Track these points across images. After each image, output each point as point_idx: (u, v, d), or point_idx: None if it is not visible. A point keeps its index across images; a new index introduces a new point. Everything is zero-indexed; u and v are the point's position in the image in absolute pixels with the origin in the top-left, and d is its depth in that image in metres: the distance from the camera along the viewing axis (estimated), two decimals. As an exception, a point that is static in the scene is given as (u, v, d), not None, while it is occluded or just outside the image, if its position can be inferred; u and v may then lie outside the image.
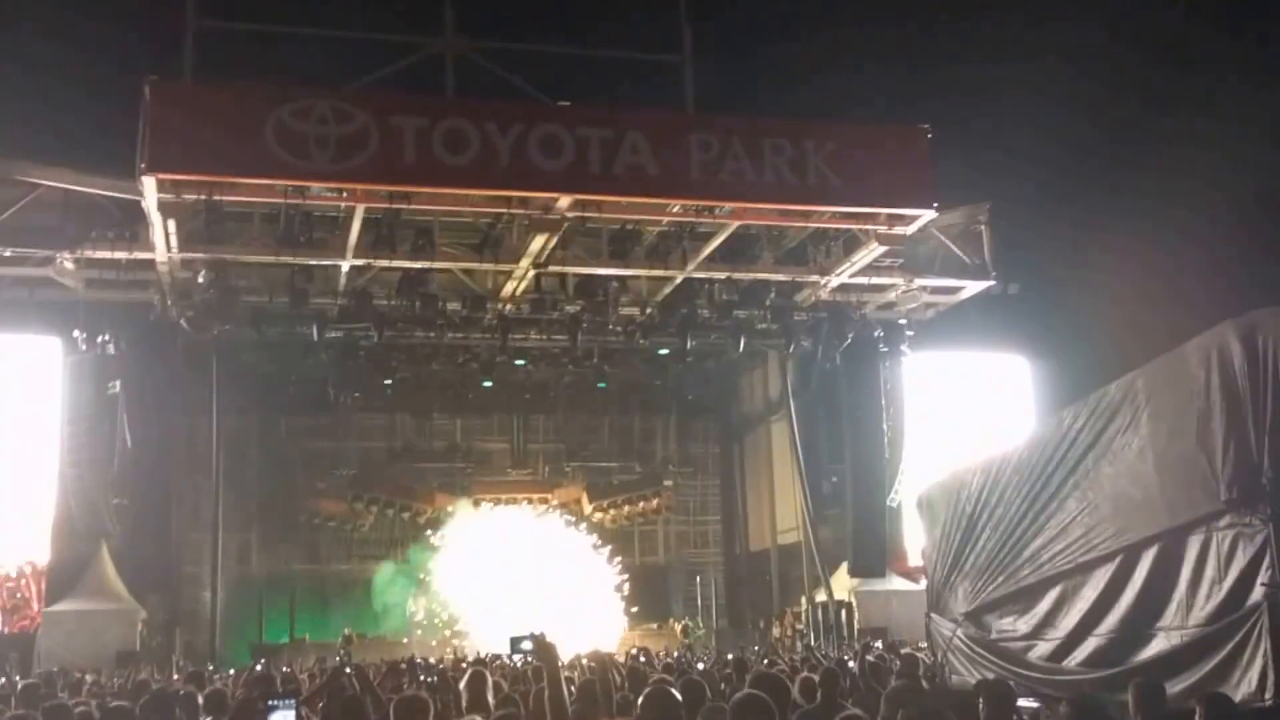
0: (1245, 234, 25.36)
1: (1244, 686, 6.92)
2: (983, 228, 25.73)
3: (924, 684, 10.05)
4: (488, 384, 29.42)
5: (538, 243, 21.50)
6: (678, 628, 28.84)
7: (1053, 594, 9.21)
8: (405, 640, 27.10)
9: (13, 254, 22.45)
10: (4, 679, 15.83)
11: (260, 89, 20.19)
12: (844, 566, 26.78)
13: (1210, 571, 7.45)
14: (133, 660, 20.56)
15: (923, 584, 14.61)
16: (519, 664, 10.88)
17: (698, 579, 32.14)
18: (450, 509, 31.13)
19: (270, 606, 27.66)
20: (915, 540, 22.72)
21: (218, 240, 20.93)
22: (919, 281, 25.62)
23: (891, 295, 26.19)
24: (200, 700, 8.84)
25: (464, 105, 21.01)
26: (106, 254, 22.20)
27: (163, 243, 21.03)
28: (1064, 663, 8.89)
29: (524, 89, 22.29)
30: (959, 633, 10.64)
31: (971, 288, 26.18)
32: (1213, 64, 27.35)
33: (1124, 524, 8.31)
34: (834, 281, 24.30)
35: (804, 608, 28.00)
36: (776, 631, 28.58)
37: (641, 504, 33.12)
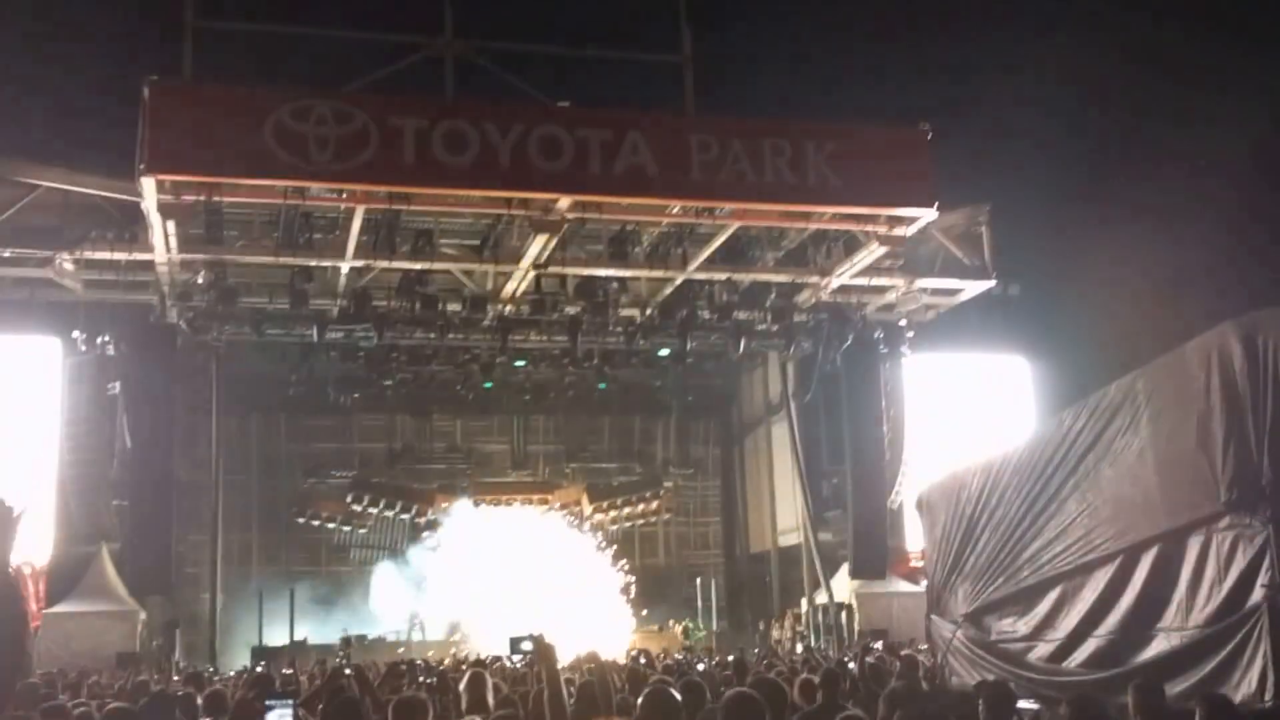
0: (1245, 235, 25.37)
1: (1244, 688, 6.91)
2: (983, 229, 25.73)
3: (924, 685, 10.04)
4: (488, 385, 29.43)
5: (537, 244, 21.49)
6: (678, 629, 28.82)
7: (1053, 595, 9.20)
8: (405, 642, 27.08)
9: (12, 255, 22.45)
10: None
11: (260, 90, 20.17)
12: (844, 568, 26.76)
13: (1210, 573, 7.44)
14: (133, 661, 20.58)
15: (923, 585, 14.59)
16: (519, 665, 10.87)
17: (698, 581, 32.13)
18: (450, 510, 31.11)
19: (270, 608, 27.62)
20: (916, 541, 22.73)
21: (217, 241, 20.93)
22: (919, 283, 25.62)
23: (892, 296, 26.19)
24: (199, 701, 8.83)
25: (464, 106, 20.99)
26: (106, 255, 22.20)
27: (162, 244, 21.02)
28: (1064, 664, 8.89)
29: (524, 90, 22.27)
30: (959, 634, 10.63)
31: (972, 289, 26.18)
32: (1213, 64, 27.33)
33: (1124, 525, 8.30)
34: (834, 283, 24.28)
35: (804, 609, 27.99)
36: (777, 633, 28.56)
37: (641, 505, 33.11)
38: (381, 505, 31.67)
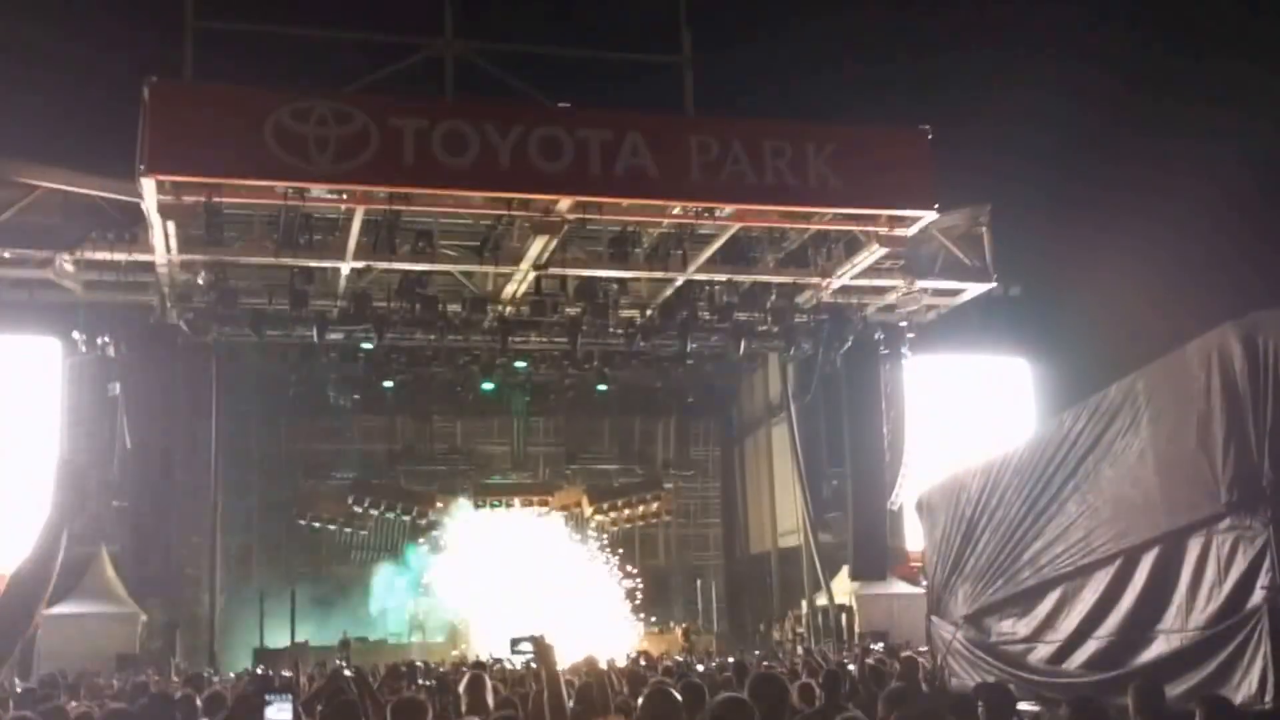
0: (1246, 235, 25.37)
1: (1244, 689, 6.90)
2: (984, 230, 25.70)
3: (924, 687, 10.02)
4: (488, 387, 29.41)
5: (538, 245, 21.48)
6: (678, 631, 28.80)
7: (1053, 597, 9.19)
8: (405, 644, 27.06)
9: (12, 255, 22.45)
10: (4, 682, 15.79)
11: (260, 90, 20.17)
12: (845, 569, 26.75)
13: (1210, 574, 7.43)
14: (133, 663, 20.56)
15: (923, 587, 14.58)
16: (519, 666, 10.87)
17: (698, 582, 32.11)
18: (451, 511, 31.08)
19: (270, 610, 27.60)
20: (916, 543, 22.70)
21: (217, 242, 20.92)
22: (920, 284, 25.60)
23: (892, 297, 26.18)
24: (199, 703, 8.83)
25: (464, 107, 21.00)
26: (106, 256, 22.19)
27: (162, 244, 21.02)
28: (1064, 665, 8.87)
29: (524, 90, 22.29)
30: (959, 635, 10.62)
31: (972, 290, 26.15)
32: (1214, 64, 27.34)
33: (1124, 526, 8.29)
34: (835, 284, 24.27)
35: (805, 611, 27.97)
36: (777, 635, 28.54)
37: (642, 507, 33.08)
38: (382, 507, 31.63)
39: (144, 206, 19.90)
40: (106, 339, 23.24)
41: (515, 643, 6.44)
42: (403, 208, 20.55)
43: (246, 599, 27.77)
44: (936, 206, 21.62)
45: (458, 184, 20.32)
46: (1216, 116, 26.20)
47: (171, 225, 20.20)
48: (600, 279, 23.59)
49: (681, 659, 19.28)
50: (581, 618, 24.54)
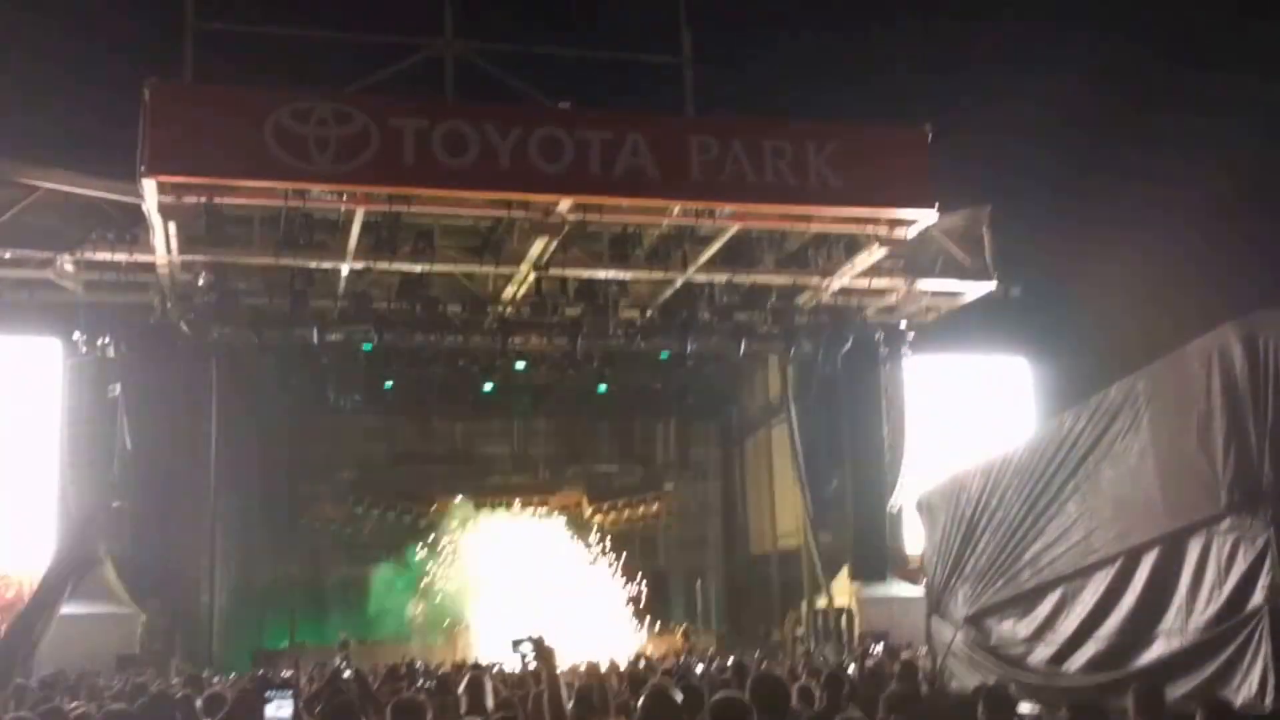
0: (1247, 236, 25.35)
1: (1244, 691, 6.89)
2: (984, 230, 25.64)
3: (924, 688, 10.01)
4: (488, 387, 29.40)
5: (538, 246, 21.47)
6: (678, 632, 28.78)
7: (1053, 598, 9.18)
8: (405, 645, 27.04)
9: (13, 256, 22.43)
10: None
11: (260, 91, 20.18)
12: (845, 571, 26.72)
13: (1211, 575, 7.42)
14: (132, 664, 20.53)
15: (923, 588, 14.57)
16: (519, 667, 10.85)
17: (698, 583, 32.09)
18: (450, 512, 31.09)
19: (270, 610, 27.60)
20: (916, 544, 22.67)
21: (218, 243, 20.91)
22: (920, 284, 25.56)
23: (892, 298, 26.15)
24: (198, 704, 8.82)
25: (464, 107, 20.99)
26: (106, 256, 22.17)
27: (163, 245, 21.01)
28: (1064, 667, 8.86)
29: (524, 91, 22.29)
30: (959, 637, 10.61)
31: (973, 290, 26.09)
32: (1214, 65, 27.34)
33: (1124, 527, 8.28)
34: (835, 284, 24.26)
35: (805, 612, 27.94)
36: (777, 636, 28.51)
37: (641, 508, 33.08)
38: (381, 507, 31.63)
39: (144, 207, 19.89)
40: (107, 340, 23.23)
41: (516, 644, 6.44)
42: (403, 208, 20.54)
43: (246, 599, 27.76)
44: (937, 207, 21.58)
45: (458, 184, 20.31)
46: (1217, 115, 26.22)
47: (172, 226, 20.21)
48: (601, 280, 23.57)
49: (681, 660, 19.29)
50: (581, 619, 24.55)
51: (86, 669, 18.10)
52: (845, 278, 23.96)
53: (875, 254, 22.72)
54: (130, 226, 21.76)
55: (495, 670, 12.83)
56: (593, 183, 20.36)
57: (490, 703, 7.85)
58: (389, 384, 29.26)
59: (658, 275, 23.76)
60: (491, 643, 21.15)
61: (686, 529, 34.72)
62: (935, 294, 26.42)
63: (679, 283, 23.97)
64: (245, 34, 23.13)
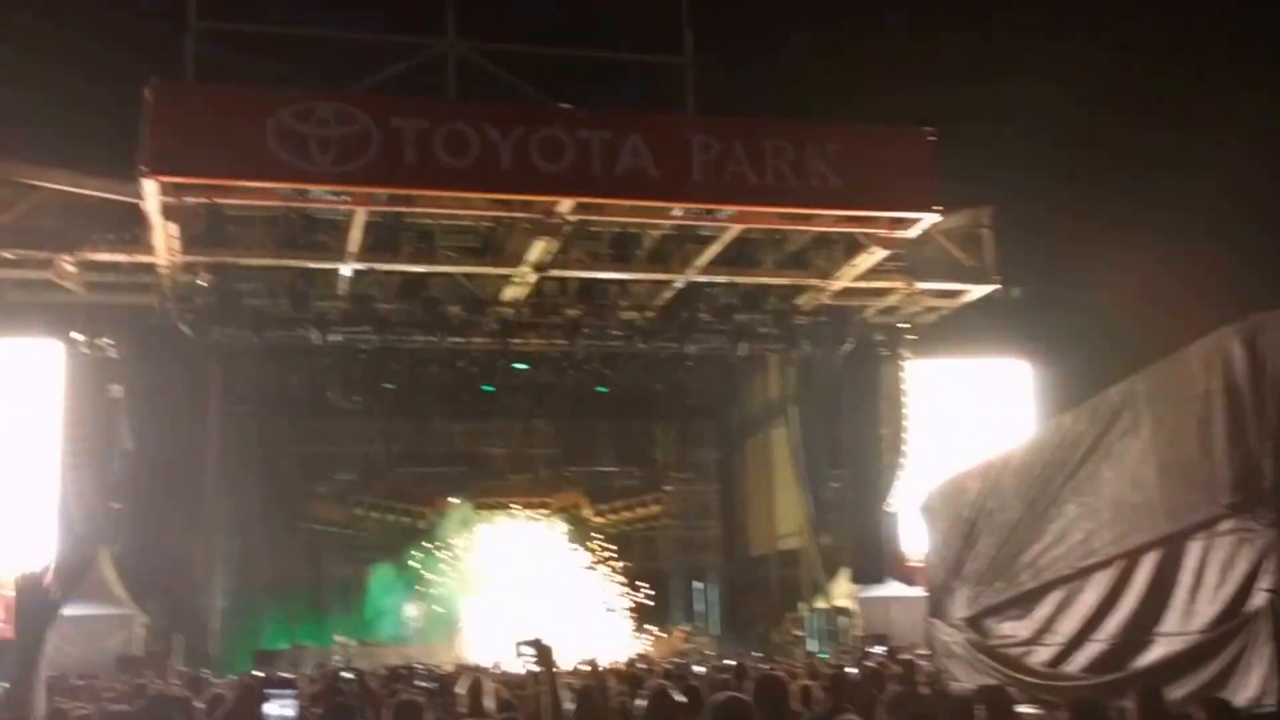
0: (1248, 238, 25.33)
1: (1245, 692, 6.88)
2: (986, 231, 25.62)
3: (923, 690, 10.01)
4: (488, 388, 29.41)
5: (539, 247, 21.48)
6: (678, 633, 28.78)
7: (1053, 599, 9.17)
8: (405, 646, 27.04)
9: (13, 256, 22.42)
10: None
11: (261, 91, 20.18)
12: (845, 572, 26.72)
13: (1211, 577, 7.42)
14: (133, 665, 20.53)
15: (923, 589, 14.56)
16: (520, 668, 10.85)
17: (698, 584, 32.10)
18: (450, 513, 31.10)
19: (270, 611, 27.59)
20: (916, 545, 22.66)
21: (219, 243, 20.91)
22: (921, 285, 25.54)
23: (893, 299, 26.13)
24: (198, 704, 8.82)
25: (465, 108, 20.99)
26: (107, 257, 22.16)
27: (164, 246, 21.00)
28: (1064, 668, 8.86)
29: (525, 91, 22.28)
30: (959, 638, 10.60)
31: (974, 292, 26.08)
32: (1215, 65, 27.32)
33: (1125, 528, 8.27)
34: (836, 285, 24.25)
35: (805, 614, 27.93)
36: (777, 637, 28.51)
37: (641, 509, 33.09)
38: (381, 508, 31.64)
39: (145, 207, 19.89)
40: (108, 340, 23.23)
41: (518, 646, 6.46)
42: (404, 209, 20.55)
43: (246, 600, 27.76)
44: (938, 208, 21.57)
45: (459, 185, 20.30)
46: (1219, 116, 26.20)
47: (173, 226, 20.20)
48: (601, 280, 23.57)
49: (681, 660, 19.28)
50: (581, 620, 24.56)
51: (86, 670, 18.10)
52: (846, 279, 23.95)
53: (876, 255, 22.71)
54: (131, 227, 21.73)
55: (495, 672, 12.83)
56: (593, 183, 20.35)
57: (490, 704, 7.85)
58: (389, 385, 29.26)
59: (658, 276, 23.75)
60: (491, 644, 21.13)
61: (686, 530, 34.73)
62: (936, 295, 26.40)
63: (679, 283, 23.96)
64: (246, 34, 23.12)
